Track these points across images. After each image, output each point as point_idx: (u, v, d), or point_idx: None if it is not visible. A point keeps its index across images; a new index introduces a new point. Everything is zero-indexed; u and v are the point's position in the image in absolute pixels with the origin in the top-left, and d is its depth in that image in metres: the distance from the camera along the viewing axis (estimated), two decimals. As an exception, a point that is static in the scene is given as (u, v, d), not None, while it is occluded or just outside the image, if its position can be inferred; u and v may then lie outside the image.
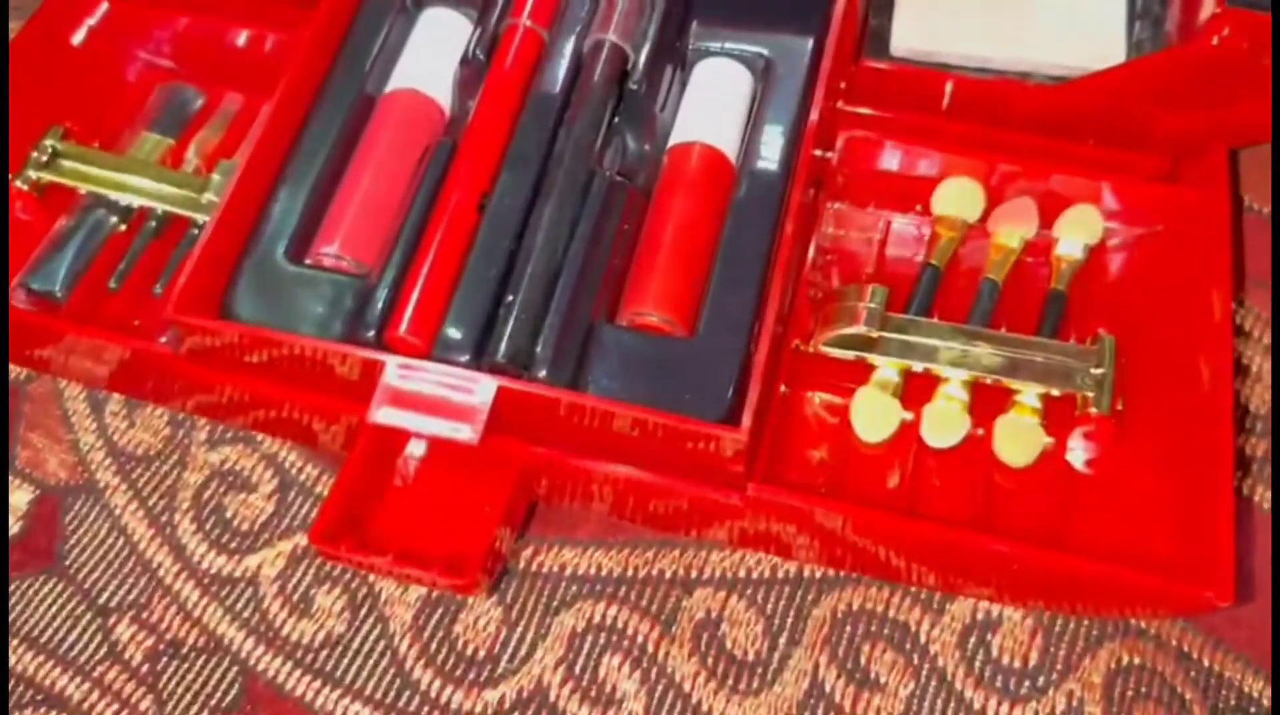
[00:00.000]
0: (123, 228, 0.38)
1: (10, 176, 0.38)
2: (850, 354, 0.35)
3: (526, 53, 0.35)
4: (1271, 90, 0.37)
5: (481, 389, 0.30)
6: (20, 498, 0.38)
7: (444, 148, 0.34)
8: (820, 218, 0.39)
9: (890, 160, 0.38)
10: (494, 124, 0.34)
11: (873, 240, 0.38)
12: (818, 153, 0.39)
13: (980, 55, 0.40)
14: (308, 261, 0.34)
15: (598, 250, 0.32)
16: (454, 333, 0.31)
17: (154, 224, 0.38)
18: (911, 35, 0.40)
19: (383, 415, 0.30)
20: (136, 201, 0.38)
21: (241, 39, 0.42)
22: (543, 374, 0.30)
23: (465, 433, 0.29)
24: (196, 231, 0.38)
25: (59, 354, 0.37)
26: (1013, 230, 0.36)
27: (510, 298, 0.31)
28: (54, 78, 0.41)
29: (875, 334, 0.34)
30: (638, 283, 0.32)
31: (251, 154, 0.34)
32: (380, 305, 0.32)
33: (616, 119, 0.35)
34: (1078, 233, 0.36)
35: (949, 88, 0.39)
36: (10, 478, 0.39)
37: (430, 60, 0.36)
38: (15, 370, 0.40)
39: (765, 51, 0.36)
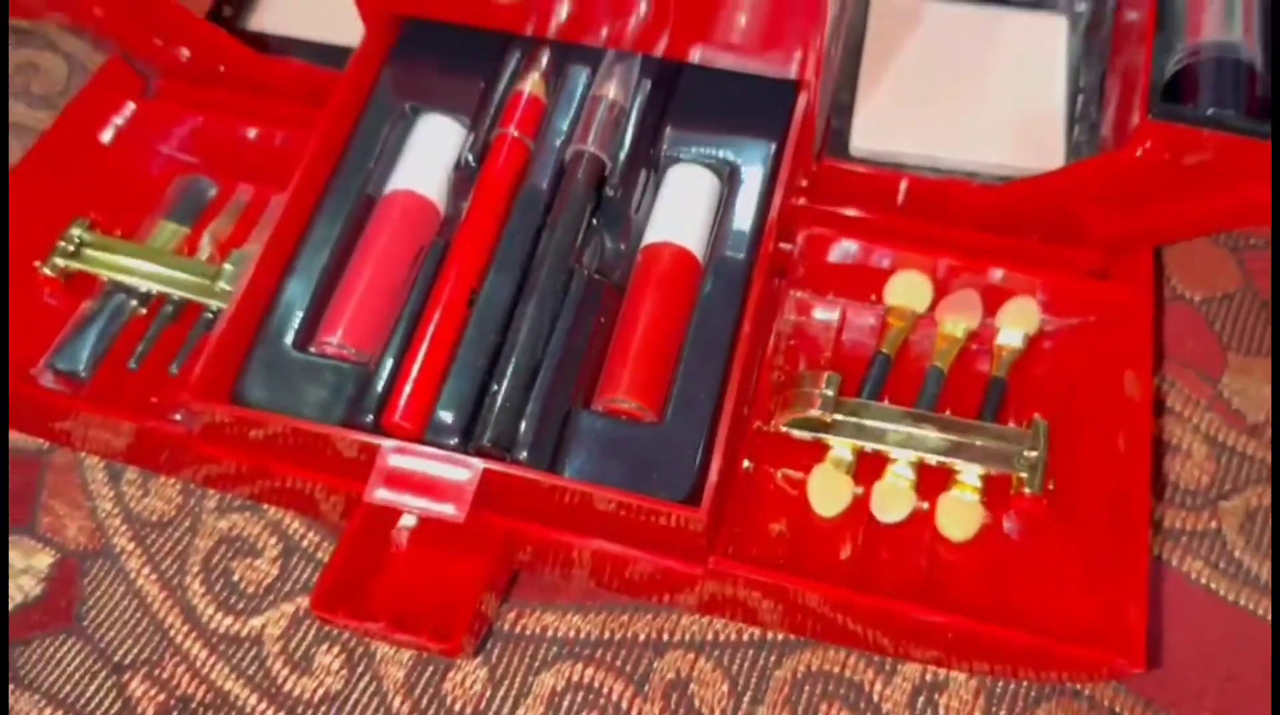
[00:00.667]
0: (142, 311, 0.42)
1: (38, 264, 0.42)
2: (808, 434, 0.38)
3: (513, 160, 0.39)
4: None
5: (468, 470, 0.33)
6: (41, 561, 0.41)
7: (438, 247, 0.38)
8: (783, 305, 0.42)
9: (847, 254, 0.41)
10: (483, 227, 0.37)
11: (830, 326, 0.42)
12: (783, 246, 0.42)
13: (932, 156, 0.43)
14: (312, 349, 0.37)
15: (575, 343, 0.36)
16: (445, 418, 0.34)
17: (170, 308, 0.42)
18: (869, 137, 0.44)
19: (379, 495, 0.33)
20: (155, 288, 0.41)
21: (252, 134, 0.45)
22: (524, 456, 0.34)
23: (453, 510, 0.32)
24: (210, 315, 0.41)
25: (81, 428, 0.40)
26: (958, 321, 0.40)
27: (495, 386, 0.35)
28: (82, 172, 0.44)
29: (830, 418, 0.37)
30: (611, 371, 0.36)
31: (262, 252, 0.37)
32: (378, 391, 0.35)
33: (595, 221, 0.38)
34: (1017, 323, 0.39)
35: (903, 186, 0.43)
36: (33, 542, 0.42)
37: (426, 164, 0.40)
38: (38, 442, 0.43)
39: (731, 155, 0.39)
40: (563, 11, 0.38)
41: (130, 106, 0.45)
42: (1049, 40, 0.46)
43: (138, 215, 0.45)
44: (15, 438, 0.43)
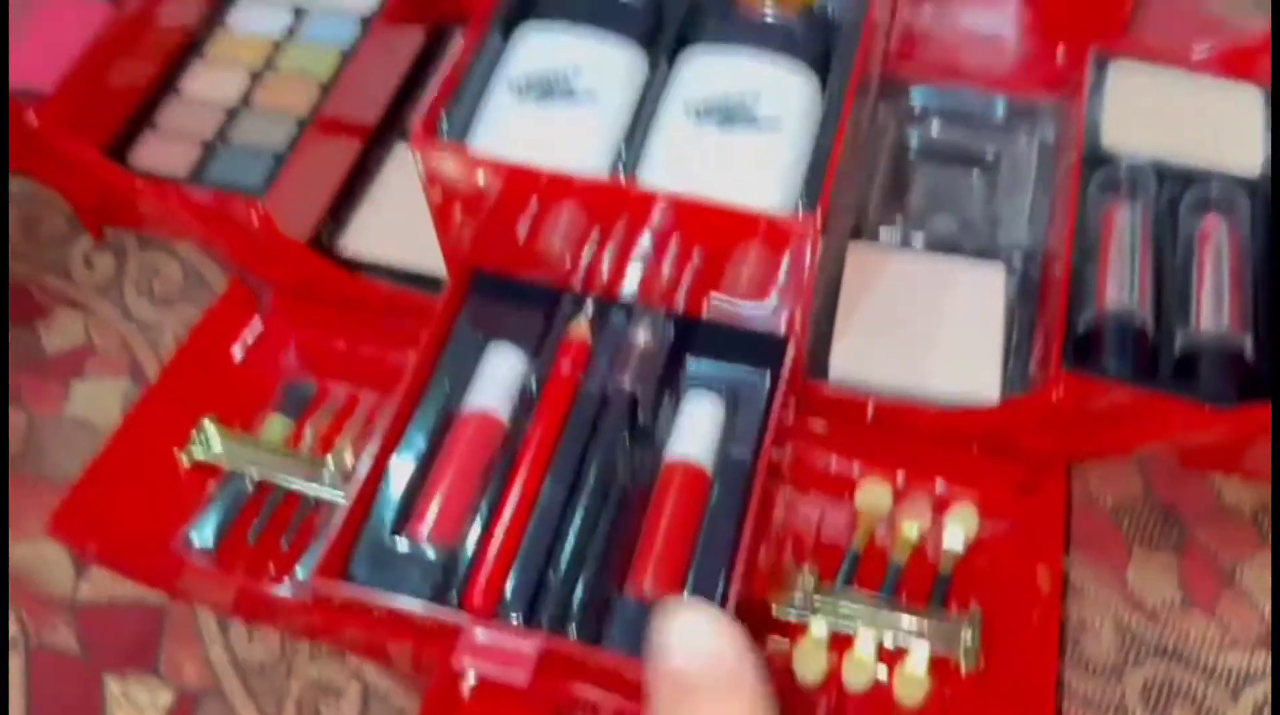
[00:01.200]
0: (255, 495, 0.52)
1: (176, 450, 0.52)
2: (793, 614, 0.48)
3: (565, 392, 0.49)
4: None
5: (531, 644, 0.42)
6: (163, 698, 0.50)
7: (505, 461, 0.48)
8: (775, 501, 0.52)
9: (825, 462, 0.52)
10: (542, 447, 0.47)
11: (812, 521, 0.52)
12: (774, 455, 0.53)
13: (895, 383, 0.54)
14: (407, 538, 0.47)
15: (613, 541, 0.46)
16: (513, 600, 0.44)
17: (279, 494, 0.52)
18: (845, 365, 0.55)
19: (465, 662, 0.42)
20: (268, 477, 0.51)
21: (346, 345, 0.56)
22: (574, 633, 0.43)
23: (520, 676, 0.42)
24: (311, 499, 0.51)
25: (206, 589, 0.50)
26: (912, 523, 0.50)
27: (552, 574, 0.44)
28: (211, 378, 0.55)
29: (810, 604, 0.47)
30: (639, 566, 0.45)
31: (372, 464, 0.47)
32: (460, 576, 0.45)
33: (627, 438, 0.49)
34: (959, 526, 0.50)
35: (871, 404, 0.54)
36: (156, 681, 0.51)
37: (496, 387, 0.50)
38: (160, 595, 0.53)
39: (736, 384, 0.50)
40: (601, 277, 0.49)
41: (254, 325, 0.56)
42: (991, 285, 0.57)
43: (254, 409, 0.55)
44: (140, 591, 0.53)
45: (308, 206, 0.60)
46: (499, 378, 0.50)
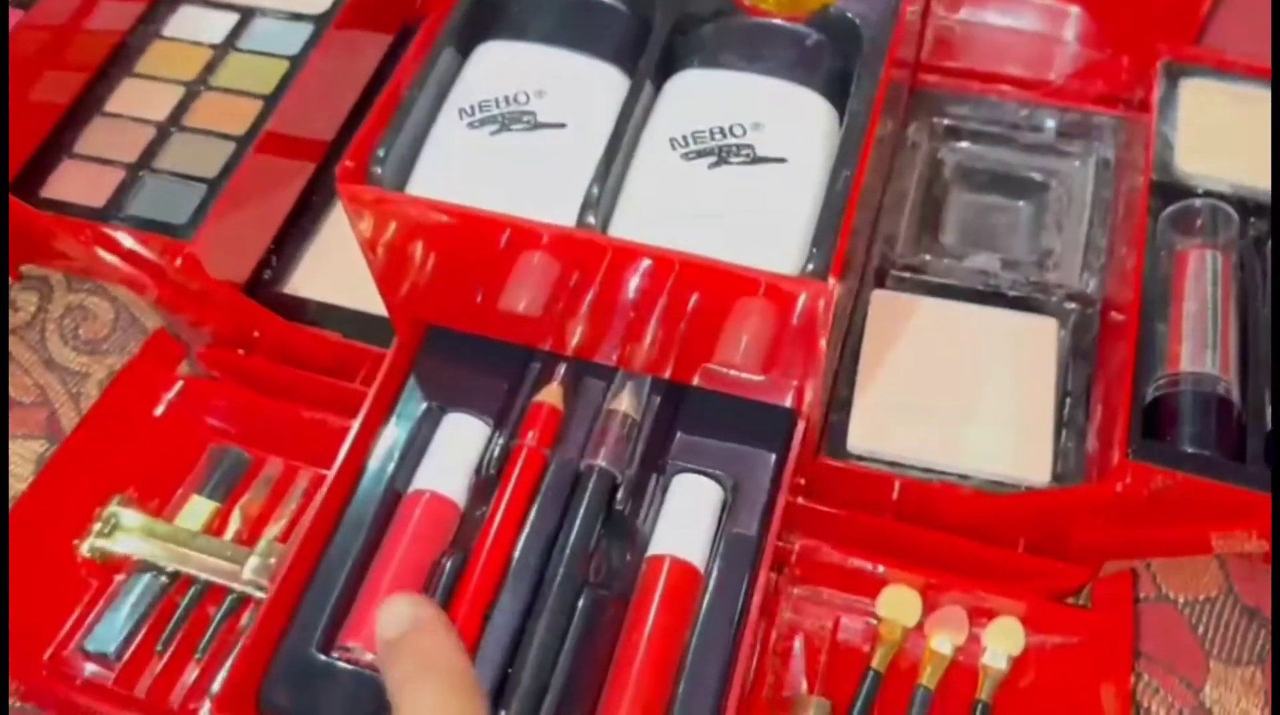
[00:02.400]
0: (171, 589, 0.44)
1: (76, 542, 0.44)
2: (800, 754, 0.40)
3: (531, 470, 0.41)
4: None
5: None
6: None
7: (456, 559, 0.40)
8: (780, 604, 0.44)
9: (841, 561, 0.43)
10: (500, 541, 0.39)
11: (825, 628, 0.44)
12: (780, 543, 0.44)
13: (925, 459, 0.46)
14: (335, 653, 0.39)
15: (581, 665, 0.38)
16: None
17: (197, 589, 0.44)
18: (866, 437, 0.46)
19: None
20: (184, 569, 0.44)
21: (283, 409, 0.48)
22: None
23: None
24: (234, 595, 0.44)
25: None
26: (944, 638, 0.42)
27: (503, 713, 0.37)
28: (124, 444, 0.47)
29: (820, 746, 0.39)
30: (613, 697, 0.37)
31: (289, 563, 0.39)
32: (392, 705, 0.37)
33: (603, 530, 0.41)
34: (1002, 644, 0.41)
35: (897, 487, 0.45)
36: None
37: (449, 463, 0.42)
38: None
39: (734, 465, 0.42)
40: (575, 337, 0.41)
41: (175, 383, 0.48)
42: (1040, 342, 0.49)
43: (175, 484, 0.47)
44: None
45: (246, 242, 0.52)
46: (454, 452, 0.42)
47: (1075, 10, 0.56)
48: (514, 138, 0.39)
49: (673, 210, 0.38)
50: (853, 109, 0.39)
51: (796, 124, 0.39)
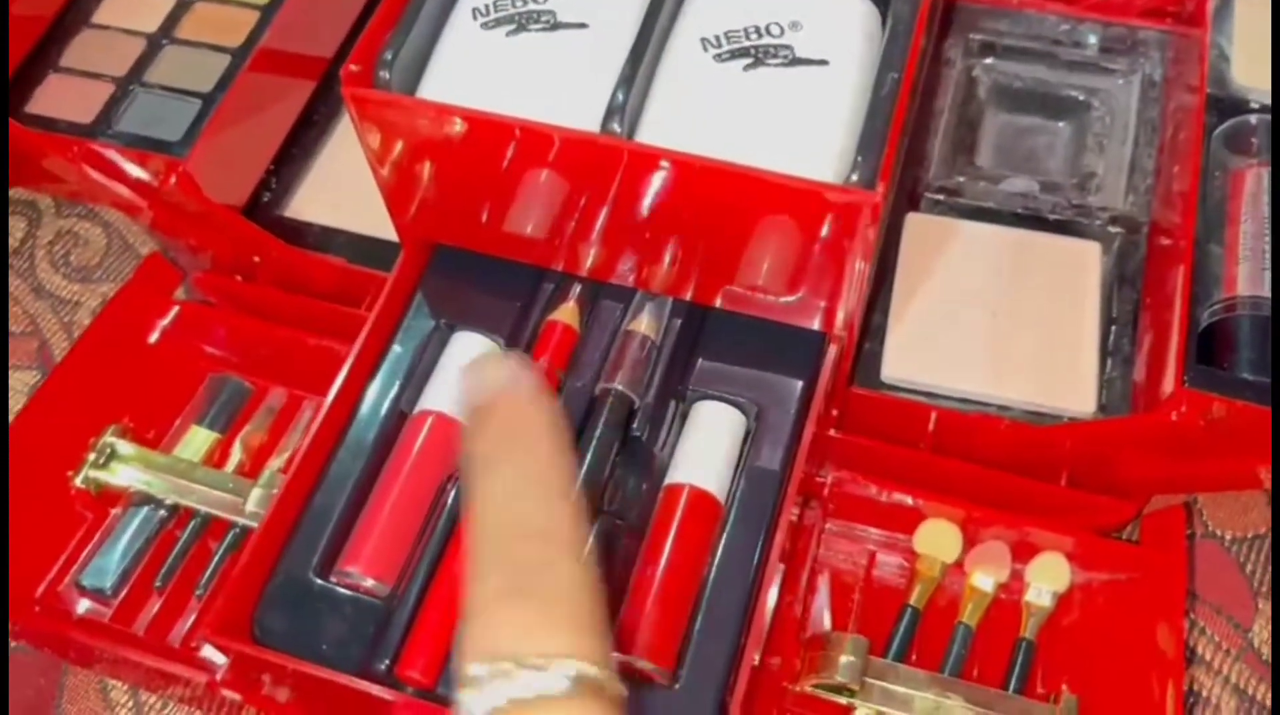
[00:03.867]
0: (170, 522, 0.42)
1: (70, 474, 0.42)
2: (836, 696, 0.38)
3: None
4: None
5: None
6: (57, 772, 0.41)
7: (460, 486, 0.37)
8: (811, 540, 0.42)
9: (876, 494, 0.41)
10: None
11: (860, 565, 0.41)
12: (812, 480, 0.42)
13: (963, 388, 0.43)
14: (333, 578, 0.37)
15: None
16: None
17: (197, 522, 0.42)
18: (900, 365, 0.44)
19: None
20: (184, 502, 0.41)
21: (286, 335, 0.46)
22: None
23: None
24: (238, 529, 0.41)
25: (91, 653, 0.40)
26: (986, 574, 0.39)
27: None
28: (119, 372, 0.45)
29: (857, 684, 0.37)
30: (626, 627, 0.35)
31: (288, 482, 0.37)
32: (395, 634, 0.35)
33: (619, 459, 0.38)
34: (1046, 581, 0.39)
35: (933, 417, 0.43)
36: (50, 752, 0.42)
37: (456, 385, 0.40)
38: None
39: (759, 394, 0.39)
40: (589, 258, 0.39)
41: (171, 308, 0.46)
42: (1082, 267, 0.46)
43: (172, 414, 0.45)
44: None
45: (244, 162, 0.49)
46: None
47: (1121, -82, 0.52)
48: (532, 38, 0.36)
49: (705, 116, 0.35)
50: (897, 10, 0.36)
51: (838, 24, 0.36)
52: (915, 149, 0.50)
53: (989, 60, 0.53)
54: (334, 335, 0.45)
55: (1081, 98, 0.52)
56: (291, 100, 0.52)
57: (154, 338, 0.46)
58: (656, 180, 0.34)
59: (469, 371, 0.28)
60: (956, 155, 0.50)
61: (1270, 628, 0.42)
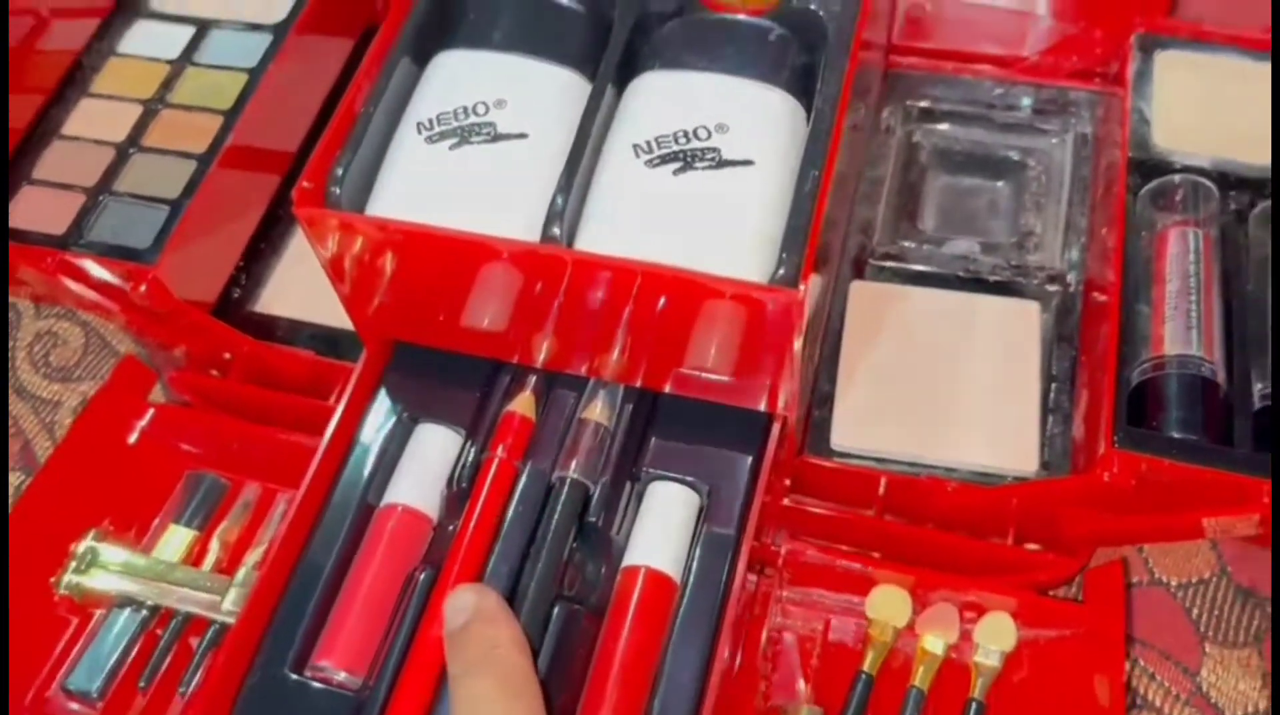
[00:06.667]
0: (152, 623, 0.44)
1: (53, 580, 0.44)
2: (794, 762, 0.39)
3: (502, 484, 0.40)
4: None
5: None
6: None
7: (428, 575, 0.39)
8: (769, 608, 0.43)
9: (828, 560, 0.43)
10: (472, 555, 0.39)
11: (816, 632, 0.43)
12: (769, 544, 0.44)
13: (911, 453, 0.45)
14: (308, 672, 0.38)
15: (556, 679, 0.37)
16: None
17: (178, 621, 0.43)
18: (849, 433, 0.46)
19: None
20: (164, 603, 0.43)
21: (258, 431, 0.47)
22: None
23: None
24: (217, 626, 0.43)
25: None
26: (936, 637, 0.41)
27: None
28: (98, 476, 0.46)
29: (813, 754, 0.38)
30: (590, 708, 0.37)
31: (260, 578, 0.38)
32: (375, 725, 0.37)
33: (576, 544, 0.40)
34: (993, 641, 0.41)
35: (883, 483, 0.45)
36: None
37: (421, 476, 0.41)
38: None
39: (711, 469, 0.41)
40: (544, 349, 0.40)
41: (146, 411, 0.48)
42: (1023, 326, 0.48)
43: (152, 513, 0.47)
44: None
45: (213, 262, 0.51)
46: (425, 464, 0.42)
47: (1047, -17, 0.55)
48: (474, 151, 0.38)
49: (639, 219, 0.37)
50: (819, 106, 0.38)
51: (763, 124, 0.38)
52: (860, 216, 0.52)
53: (928, 125, 0.55)
54: (305, 429, 0.46)
55: (1018, 158, 0.54)
56: (258, 196, 0.54)
57: (133, 438, 0.48)
58: (595, 283, 0.36)
59: (448, 602, 0.35)
60: (900, 220, 0.52)
61: (1217, 671, 0.44)
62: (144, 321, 0.49)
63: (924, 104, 0.55)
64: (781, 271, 0.35)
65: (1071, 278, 0.49)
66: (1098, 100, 0.53)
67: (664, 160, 0.37)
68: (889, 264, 0.51)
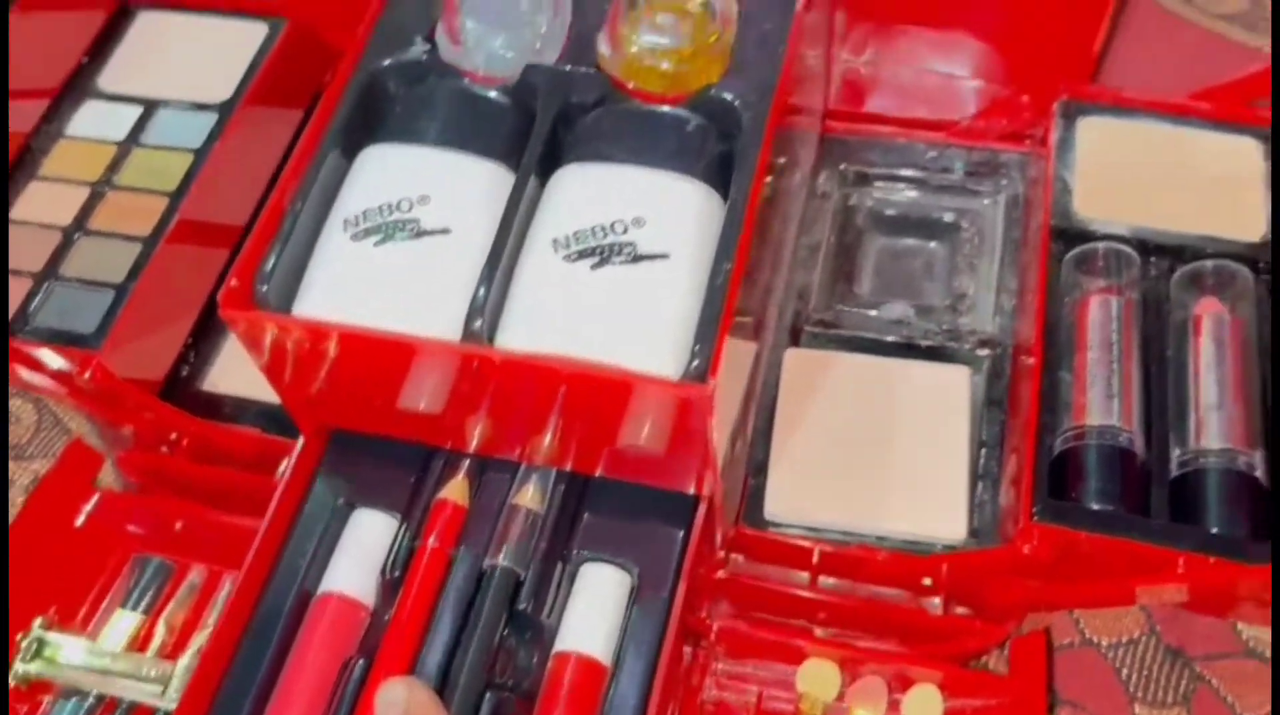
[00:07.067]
0: (98, 711, 0.44)
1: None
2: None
3: (434, 572, 0.41)
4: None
5: None
6: None
7: (363, 665, 0.40)
8: (703, 681, 0.44)
9: (761, 639, 0.44)
10: (404, 644, 0.39)
11: (750, 705, 0.44)
12: (703, 618, 0.45)
13: (842, 522, 0.46)
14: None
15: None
16: None
17: (123, 710, 0.44)
18: (782, 503, 0.47)
19: None
20: (109, 692, 0.44)
21: (204, 512, 0.48)
22: None
23: None
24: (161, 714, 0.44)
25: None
26: (865, 710, 0.42)
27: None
28: (47, 561, 0.47)
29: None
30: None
31: (197, 670, 0.39)
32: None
33: (508, 630, 0.41)
34: (922, 712, 0.41)
35: (816, 552, 0.45)
36: None
37: (357, 562, 0.42)
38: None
39: (641, 548, 0.41)
40: (474, 438, 0.41)
41: (92, 496, 0.48)
42: (954, 392, 0.49)
43: (100, 596, 0.48)
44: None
45: (160, 342, 0.52)
46: (361, 552, 0.42)
47: (977, 48, 0.55)
48: (398, 247, 0.39)
49: (558, 315, 0.38)
50: (733, 197, 0.39)
51: (678, 216, 0.39)
52: (797, 282, 0.53)
53: (864, 189, 0.56)
54: (250, 508, 0.47)
55: (952, 219, 0.55)
56: (206, 273, 0.55)
57: (79, 521, 0.48)
58: (513, 379, 0.37)
59: (378, 697, 0.36)
60: (837, 284, 0.53)
61: (1146, 732, 0.44)
62: (92, 403, 0.50)
63: (859, 168, 0.56)
64: (696, 363, 0.36)
65: (1002, 341, 0.50)
66: (1028, 161, 0.55)
67: (581, 255, 0.38)
68: (824, 330, 0.51)
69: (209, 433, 0.50)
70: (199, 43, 0.58)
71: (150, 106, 0.56)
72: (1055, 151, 0.50)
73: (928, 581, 0.43)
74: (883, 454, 0.47)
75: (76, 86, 0.57)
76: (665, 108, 0.41)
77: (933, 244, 0.54)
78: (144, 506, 0.49)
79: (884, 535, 0.46)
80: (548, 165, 0.41)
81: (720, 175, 0.40)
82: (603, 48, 0.42)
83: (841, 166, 0.56)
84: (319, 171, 0.41)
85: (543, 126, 0.41)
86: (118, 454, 0.51)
